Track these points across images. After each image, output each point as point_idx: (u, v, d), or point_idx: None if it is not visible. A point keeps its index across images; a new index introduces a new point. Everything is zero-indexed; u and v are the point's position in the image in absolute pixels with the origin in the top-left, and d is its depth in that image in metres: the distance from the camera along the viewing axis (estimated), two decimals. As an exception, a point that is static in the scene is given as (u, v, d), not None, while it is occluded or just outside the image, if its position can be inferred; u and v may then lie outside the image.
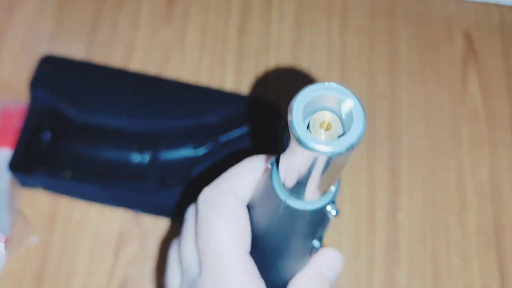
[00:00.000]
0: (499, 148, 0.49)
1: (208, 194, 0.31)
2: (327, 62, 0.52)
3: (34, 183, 0.46)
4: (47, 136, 0.47)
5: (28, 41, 0.52)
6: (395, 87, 0.51)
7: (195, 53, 0.52)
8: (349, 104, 0.22)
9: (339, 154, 0.22)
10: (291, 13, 0.54)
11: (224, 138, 0.47)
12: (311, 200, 0.27)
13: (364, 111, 0.22)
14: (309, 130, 0.22)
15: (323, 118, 0.22)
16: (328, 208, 0.27)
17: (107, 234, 0.45)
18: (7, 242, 0.44)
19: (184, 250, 0.32)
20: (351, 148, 0.22)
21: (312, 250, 0.31)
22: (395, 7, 0.54)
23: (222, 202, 0.30)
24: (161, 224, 0.46)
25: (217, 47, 0.52)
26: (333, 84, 0.22)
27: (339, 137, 0.22)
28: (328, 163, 0.23)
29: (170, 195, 0.45)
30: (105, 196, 0.45)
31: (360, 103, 0.22)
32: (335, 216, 0.28)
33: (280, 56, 0.52)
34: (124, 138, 0.47)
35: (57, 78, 0.48)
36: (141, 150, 0.47)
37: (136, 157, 0.47)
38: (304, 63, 0.52)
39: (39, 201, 0.46)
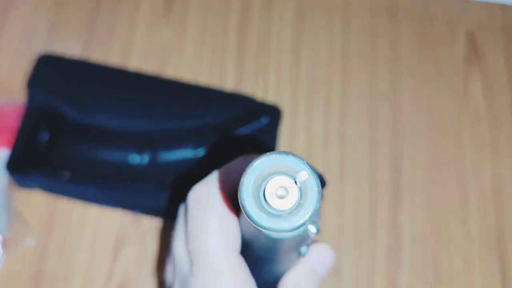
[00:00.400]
0: (502, 150, 0.49)
1: (198, 193, 0.31)
2: (328, 61, 0.51)
3: (31, 184, 0.45)
4: (44, 136, 0.46)
5: (25, 40, 0.51)
6: (396, 88, 0.51)
7: (194, 52, 0.52)
8: (303, 176, 0.22)
9: (287, 232, 0.22)
10: (291, 11, 0.53)
11: (224, 138, 0.46)
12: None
13: (318, 185, 0.22)
14: (265, 195, 0.22)
15: (279, 185, 0.22)
16: (308, 229, 0.28)
17: (106, 236, 0.45)
18: (4, 243, 0.44)
19: (176, 248, 0.33)
20: (300, 227, 0.21)
21: (300, 255, 0.31)
22: (397, 6, 0.54)
23: (212, 203, 0.30)
24: (160, 226, 0.46)
25: (216, 46, 0.52)
26: (286, 156, 0.22)
27: (295, 207, 0.22)
28: None
29: (169, 197, 0.44)
30: (103, 197, 0.45)
31: (314, 176, 0.22)
32: (316, 233, 0.28)
33: (280, 55, 0.52)
34: (123, 138, 0.46)
35: (54, 77, 0.47)
36: (140, 150, 0.46)
37: (135, 158, 0.46)
38: (305, 63, 0.51)
39: (37, 202, 0.46)
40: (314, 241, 0.35)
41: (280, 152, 0.22)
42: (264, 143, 0.47)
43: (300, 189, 0.22)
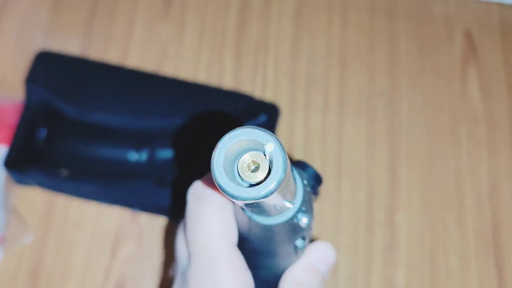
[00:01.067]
0: (498, 149, 0.49)
1: (196, 188, 0.31)
2: (326, 60, 0.52)
3: (29, 181, 0.45)
4: (42, 133, 0.46)
5: (23, 37, 0.51)
6: (394, 87, 0.51)
7: (193, 50, 0.52)
8: (270, 147, 0.23)
9: (256, 200, 0.22)
10: (290, 10, 0.53)
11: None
12: (274, 215, 0.28)
13: (283, 155, 0.22)
14: (238, 171, 0.23)
15: (250, 159, 0.23)
16: (297, 218, 0.28)
17: (104, 233, 0.45)
18: (2, 240, 0.44)
19: (176, 242, 0.33)
20: (267, 195, 0.22)
21: (297, 250, 0.32)
22: (396, 5, 0.54)
23: (209, 195, 0.31)
24: (159, 223, 0.46)
25: (215, 44, 0.52)
26: (253, 130, 0.23)
27: (264, 178, 0.23)
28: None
29: (167, 194, 0.44)
30: (101, 194, 0.45)
31: (280, 147, 0.23)
32: (307, 223, 0.29)
33: (279, 53, 0.52)
34: (121, 136, 0.46)
35: (53, 74, 0.47)
36: (138, 148, 0.46)
37: (133, 156, 0.46)
38: (303, 61, 0.51)
39: (35, 199, 0.46)
40: (313, 239, 0.35)
41: (246, 127, 0.23)
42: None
43: (270, 161, 0.23)
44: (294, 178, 0.29)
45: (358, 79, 0.51)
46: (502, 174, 0.48)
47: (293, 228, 0.29)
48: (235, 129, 0.23)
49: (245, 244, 0.31)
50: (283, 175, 0.22)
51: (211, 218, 0.30)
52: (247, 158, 0.23)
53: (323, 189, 0.47)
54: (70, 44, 0.51)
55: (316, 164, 0.48)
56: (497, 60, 0.52)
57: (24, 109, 0.46)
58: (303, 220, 0.29)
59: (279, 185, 0.22)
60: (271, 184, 0.22)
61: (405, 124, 0.50)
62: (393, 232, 0.46)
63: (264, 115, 0.47)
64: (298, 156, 0.48)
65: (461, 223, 0.46)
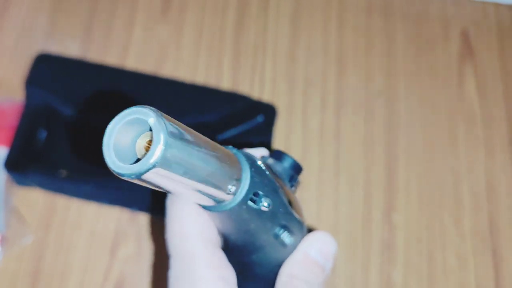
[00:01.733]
0: (495, 148, 0.49)
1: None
2: (324, 60, 0.52)
3: (29, 182, 0.46)
4: (42, 134, 0.47)
5: (23, 39, 0.52)
6: (391, 86, 0.51)
7: (191, 51, 0.52)
8: (152, 122, 0.22)
9: (141, 174, 0.22)
10: (288, 10, 0.54)
11: (220, 137, 0.47)
12: (222, 201, 0.27)
13: (163, 127, 0.22)
14: (136, 151, 0.23)
15: (145, 140, 0.23)
16: (256, 202, 0.28)
17: (103, 233, 0.45)
18: (2, 241, 0.44)
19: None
20: (149, 169, 0.22)
21: (279, 239, 0.31)
22: (392, 5, 0.54)
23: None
24: (157, 223, 0.46)
25: (213, 45, 0.52)
26: (134, 109, 0.23)
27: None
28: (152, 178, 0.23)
29: (166, 194, 0.44)
30: (100, 195, 0.45)
31: (159, 119, 0.22)
32: (268, 208, 0.28)
33: (277, 54, 0.52)
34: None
35: (52, 76, 0.48)
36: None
37: (132, 156, 0.47)
38: (301, 61, 0.52)
39: (35, 200, 0.46)
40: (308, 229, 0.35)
41: (133, 107, 0.23)
42: (260, 140, 0.47)
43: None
44: (239, 160, 0.28)
45: (356, 79, 0.51)
46: (499, 173, 0.48)
47: (256, 214, 0.28)
48: (123, 111, 0.23)
49: (227, 241, 0.31)
50: (163, 147, 0.22)
51: (186, 217, 0.30)
52: (141, 139, 0.23)
53: (322, 188, 0.47)
54: (69, 46, 0.51)
55: (314, 163, 0.48)
56: (493, 59, 0.52)
57: (24, 110, 0.47)
58: (265, 204, 0.28)
59: (161, 158, 0.22)
60: (151, 157, 0.22)
61: (402, 123, 0.50)
62: (391, 231, 0.46)
63: (261, 115, 0.47)
64: (296, 156, 0.48)
65: (459, 221, 0.47)
